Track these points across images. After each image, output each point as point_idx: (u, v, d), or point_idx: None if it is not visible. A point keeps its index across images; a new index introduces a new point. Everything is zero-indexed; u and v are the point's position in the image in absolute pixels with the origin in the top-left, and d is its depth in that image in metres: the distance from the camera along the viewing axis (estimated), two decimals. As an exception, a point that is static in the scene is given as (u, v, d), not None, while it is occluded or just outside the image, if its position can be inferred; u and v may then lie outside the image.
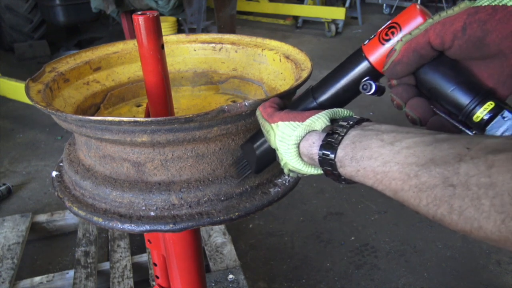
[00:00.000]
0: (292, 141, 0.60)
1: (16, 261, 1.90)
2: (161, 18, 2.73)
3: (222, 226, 2.04)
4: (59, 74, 0.90)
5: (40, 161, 2.99)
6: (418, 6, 0.57)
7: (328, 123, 0.59)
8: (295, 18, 6.44)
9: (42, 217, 2.22)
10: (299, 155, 0.61)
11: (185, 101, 1.05)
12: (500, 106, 0.52)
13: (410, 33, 0.55)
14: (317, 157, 0.58)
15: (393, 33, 0.57)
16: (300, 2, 6.62)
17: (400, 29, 0.57)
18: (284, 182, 0.81)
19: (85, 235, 2.05)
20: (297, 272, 2.00)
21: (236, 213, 0.74)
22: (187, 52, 1.08)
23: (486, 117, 0.52)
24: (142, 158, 0.73)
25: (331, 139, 0.56)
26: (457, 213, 0.42)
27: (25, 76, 0.85)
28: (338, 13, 5.74)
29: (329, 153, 0.56)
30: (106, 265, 1.89)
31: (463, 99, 0.54)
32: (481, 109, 0.53)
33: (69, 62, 0.95)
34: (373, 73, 0.60)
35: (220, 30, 3.68)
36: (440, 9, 6.81)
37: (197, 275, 1.00)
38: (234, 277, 1.75)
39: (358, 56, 0.61)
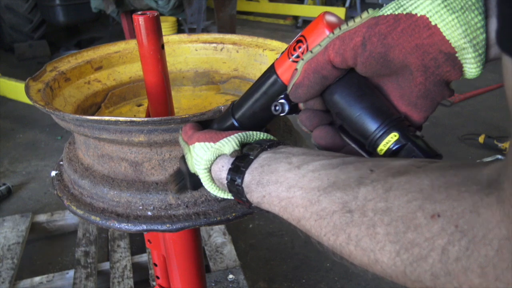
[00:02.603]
0: (203, 165, 0.56)
1: (16, 261, 1.90)
2: (161, 18, 2.74)
3: (222, 226, 2.04)
4: (60, 73, 0.90)
5: (40, 161, 2.98)
6: (327, 16, 0.50)
7: (236, 147, 0.53)
8: (295, 18, 6.45)
9: (42, 217, 2.22)
10: (211, 179, 0.57)
11: (186, 101, 1.05)
12: (404, 138, 0.45)
13: (311, 51, 0.48)
14: (225, 182, 0.53)
15: (300, 48, 0.50)
16: (300, 2, 6.62)
17: (306, 43, 0.50)
18: None
19: (85, 235, 2.05)
20: (297, 272, 2.00)
21: (233, 214, 0.74)
22: (189, 52, 1.08)
23: (392, 148, 0.46)
24: (139, 157, 0.73)
25: (239, 163, 0.51)
26: (354, 243, 0.38)
27: (25, 76, 0.85)
28: (338, 13, 5.73)
29: (236, 177, 0.51)
30: (106, 265, 1.89)
31: (369, 126, 0.47)
32: (385, 141, 0.46)
33: (70, 61, 0.95)
34: (285, 89, 0.53)
35: (220, 30, 3.68)
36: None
37: (197, 275, 1.00)
38: (234, 277, 1.75)
39: (271, 72, 0.54)
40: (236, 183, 0.51)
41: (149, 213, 0.73)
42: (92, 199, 0.77)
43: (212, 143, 0.55)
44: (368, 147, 0.48)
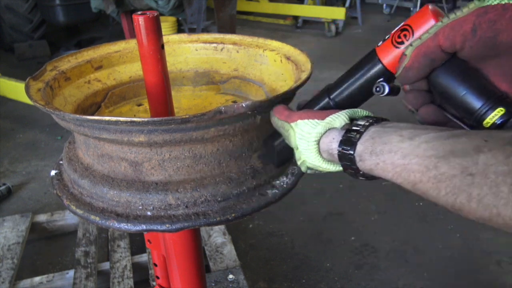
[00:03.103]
0: (313, 138, 0.62)
1: (16, 261, 1.90)
2: (161, 18, 2.74)
3: (222, 226, 2.04)
4: (60, 72, 0.90)
5: (40, 161, 2.99)
6: (430, 7, 0.57)
7: (347, 121, 0.60)
8: (295, 18, 6.45)
9: (42, 217, 2.22)
10: (319, 151, 0.63)
11: (186, 101, 1.05)
12: (510, 112, 0.52)
13: (420, 38, 0.55)
14: (336, 152, 0.59)
15: (405, 36, 0.58)
16: (300, 2, 6.63)
17: (413, 32, 0.57)
18: (282, 183, 0.80)
19: (85, 235, 2.05)
20: (297, 272, 2.00)
21: (233, 214, 0.74)
22: (189, 51, 1.08)
23: (497, 123, 0.52)
24: (139, 157, 0.73)
25: (350, 135, 0.58)
26: (476, 201, 0.42)
27: (25, 76, 0.85)
28: (338, 13, 5.75)
29: (348, 148, 0.57)
30: (106, 265, 1.89)
31: (474, 104, 0.54)
32: (491, 115, 0.52)
33: (70, 60, 0.95)
34: (387, 74, 0.61)
35: (220, 30, 3.68)
36: (439, 8, 6.80)
37: (197, 275, 1.00)
38: (234, 277, 1.75)
39: (372, 57, 0.62)
40: (348, 153, 0.57)
41: (149, 213, 0.73)
42: (92, 199, 0.77)
43: (319, 120, 0.62)
44: (472, 122, 0.54)
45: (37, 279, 1.82)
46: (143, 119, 0.64)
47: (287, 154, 0.71)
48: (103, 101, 0.98)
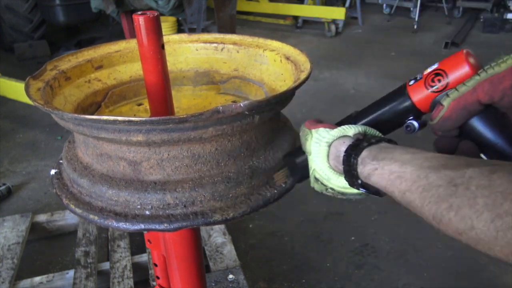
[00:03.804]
0: (326, 139, 0.66)
1: (16, 261, 1.90)
2: (161, 18, 2.74)
3: (222, 226, 2.04)
4: (60, 72, 0.90)
5: (40, 161, 2.98)
6: (465, 53, 0.59)
7: (361, 132, 0.64)
8: (295, 18, 6.44)
9: (42, 217, 2.22)
10: (328, 156, 0.66)
11: (186, 100, 1.05)
12: None
13: (457, 89, 0.57)
14: (342, 154, 0.62)
15: (439, 81, 0.61)
16: (300, 2, 6.62)
17: (447, 76, 0.60)
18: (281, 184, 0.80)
19: (85, 235, 2.05)
20: (297, 272, 2.00)
21: (231, 214, 0.74)
22: (189, 51, 1.08)
23: None
24: (138, 157, 0.73)
25: (359, 142, 0.61)
26: (455, 212, 0.44)
27: (25, 76, 0.85)
28: (338, 13, 5.74)
29: (354, 151, 0.60)
30: (106, 265, 1.89)
31: (508, 151, 0.57)
32: None
33: (71, 60, 0.95)
34: (414, 111, 0.65)
35: (220, 30, 3.68)
36: (440, 9, 6.81)
37: (197, 275, 1.00)
38: (234, 277, 1.75)
39: (402, 94, 0.66)
40: (352, 155, 0.60)
41: (147, 212, 0.73)
42: (91, 198, 0.77)
43: (335, 129, 0.66)
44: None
45: (37, 279, 1.82)
46: (141, 119, 0.64)
47: (307, 172, 0.73)
48: (103, 101, 0.98)
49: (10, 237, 2.04)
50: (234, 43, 1.05)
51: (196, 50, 1.08)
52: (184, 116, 0.64)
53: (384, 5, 7.21)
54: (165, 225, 0.72)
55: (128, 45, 1.05)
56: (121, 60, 1.03)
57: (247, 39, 1.05)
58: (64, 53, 0.96)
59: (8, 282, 1.78)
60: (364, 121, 0.70)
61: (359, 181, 0.60)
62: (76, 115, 0.68)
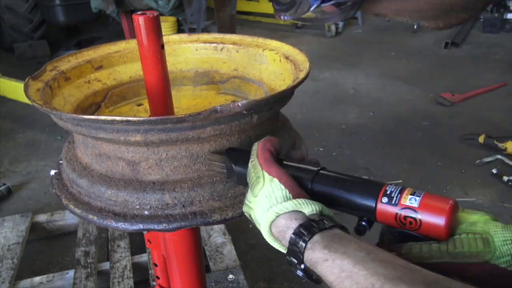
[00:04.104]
0: (276, 209, 0.59)
1: (16, 261, 1.90)
2: (161, 18, 2.73)
3: (222, 226, 2.04)
4: (60, 72, 0.90)
5: (40, 161, 2.98)
6: (451, 203, 0.54)
7: (317, 211, 0.58)
8: (295, 18, 6.44)
9: (42, 217, 2.22)
10: (271, 222, 0.61)
11: (186, 100, 1.05)
12: None
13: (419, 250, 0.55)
14: (291, 231, 0.57)
15: (410, 223, 0.56)
16: (300, 2, 6.61)
17: (420, 224, 0.55)
18: None
19: (85, 235, 2.05)
20: (297, 272, 1.99)
21: (230, 214, 0.74)
22: (189, 51, 1.08)
23: None
24: (136, 157, 0.73)
25: (313, 224, 0.56)
26: None
27: (25, 76, 0.85)
28: (338, 13, 5.73)
29: (306, 233, 0.55)
30: (106, 265, 1.89)
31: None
32: None
33: (70, 60, 0.95)
34: (371, 214, 0.60)
35: (220, 30, 3.68)
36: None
37: (197, 275, 1.00)
38: (234, 277, 1.75)
39: (373, 195, 0.60)
40: (303, 238, 0.55)
41: (146, 212, 0.73)
42: (90, 198, 0.77)
43: (292, 195, 0.60)
44: None
45: (37, 279, 1.82)
46: (139, 119, 0.64)
47: (244, 181, 0.68)
48: (103, 101, 0.98)
49: (10, 237, 2.04)
50: (234, 43, 1.05)
51: (196, 50, 1.08)
52: (182, 116, 0.64)
53: (384, 4, 7.19)
54: (164, 225, 0.72)
55: (127, 46, 1.05)
56: (121, 60, 1.03)
57: (247, 39, 1.05)
58: (64, 53, 0.96)
59: (8, 282, 1.78)
60: (321, 189, 0.63)
61: (302, 266, 0.55)
62: (74, 115, 0.68)
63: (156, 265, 1.10)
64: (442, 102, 3.59)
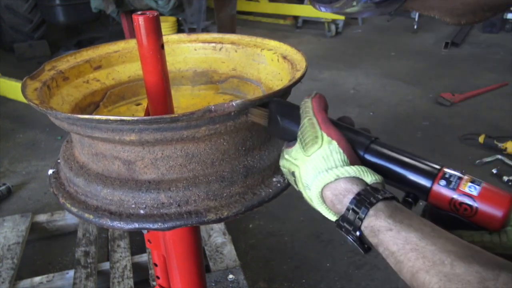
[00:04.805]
0: (337, 172, 0.57)
1: (16, 261, 1.90)
2: (161, 18, 2.73)
3: (222, 226, 2.04)
4: (58, 72, 0.90)
5: (40, 161, 2.98)
6: (510, 197, 0.55)
7: (379, 181, 0.57)
8: (295, 18, 6.44)
9: (42, 217, 2.22)
10: (326, 184, 0.58)
11: (184, 100, 1.05)
12: None
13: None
14: (351, 196, 0.55)
15: (465, 210, 0.56)
16: (300, 2, 6.62)
17: (476, 212, 0.56)
18: (276, 183, 0.80)
19: (85, 235, 2.05)
20: (297, 272, 2.00)
21: (225, 213, 0.74)
22: (188, 51, 1.08)
23: None
24: (132, 156, 0.73)
25: (377, 192, 0.54)
26: None
27: (25, 76, 0.85)
28: (338, 13, 5.73)
29: (369, 198, 0.54)
30: (106, 265, 1.89)
31: None
32: None
33: (69, 60, 0.95)
34: (423, 194, 0.60)
35: (220, 30, 3.68)
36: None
37: (197, 275, 1.00)
38: (234, 277, 1.75)
39: (430, 174, 0.60)
40: (366, 203, 0.53)
41: (142, 211, 0.73)
42: (86, 197, 0.77)
43: (350, 161, 0.58)
44: None
45: (37, 279, 1.82)
46: (133, 118, 0.64)
47: (289, 136, 0.67)
48: (101, 101, 0.99)
49: (10, 237, 2.04)
50: (232, 43, 1.05)
51: (195, 50, 1.08)
52: (176, 115, 0.64)
53: (384, 5, 7.19)
54: (159, 224, 0.72)
55: (127, 45, 1.05)
56: (120, 60, 1.04)
57: (245, 38, 1.05)
58: (64, 53, 0.96)
59: (8, 282, 1.78)
60: (375, 159, 0.62)
61: (358, 233, 0.54)
62: (69, 114, 0.68)
63: (156, 265, 1.10)
64: (442, 102, 3.59)
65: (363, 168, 0.58)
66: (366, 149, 0.63)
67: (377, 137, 0.65)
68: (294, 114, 0.67)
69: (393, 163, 0.62)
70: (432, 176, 0.59)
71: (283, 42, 0.98)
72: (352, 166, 0.58)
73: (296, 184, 0.64)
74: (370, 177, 0.57)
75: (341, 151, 0.59)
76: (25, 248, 2.04)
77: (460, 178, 0.58)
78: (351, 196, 0.55)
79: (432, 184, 0.59)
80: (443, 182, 0.58)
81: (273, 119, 0.69)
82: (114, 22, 5.48)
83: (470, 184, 0.57)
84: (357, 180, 0.57)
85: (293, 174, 0.63)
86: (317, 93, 0.66)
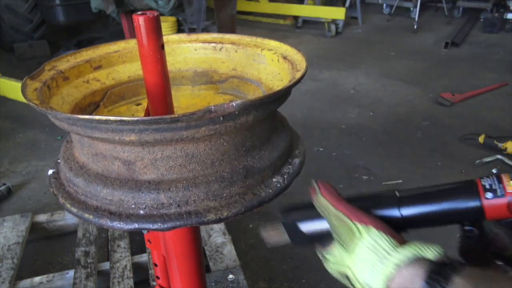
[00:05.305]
0: (394, 260, 0.52)
1: (16, 261, 1.90)
2: (161, 18, 2.73)
3: (222, 226, 2.04)
4: (58, 72, 0.90)
5: (40, 161, 2.99)
6: None
7: (441, 253, 0.53)
8: (295, 18, 6.44)
9: (42, 217, 2.22)
10: (387, 280, 0.53)
11: (184, 100, 1.05)
12: None
13: None
14: (421, 281, 0.50)
15: None
16: (300, 2, 6.62)
17: None
18: (276, 183, 0.80)
19: (85, 235, 2.05)
20: (297, 272, 2.00)
21: (225, 214, 0.74)
22: (188, 51, 1.08)
23: None
24: (132, 156, 0.73)
25: (446, 267, 0.50)
26: None
27: (25, 76, 0.85)
28: (338, 13, 5.74)
29: (441, 277, 0.49)
30: (106, 265, 1.89)
31: None
32: None
33: (69, 60, 0.95)
34: (479, 215, 0.56)
35: (220, 30, 3.68)
36: (440, 9, 6.80)
37: (197, 275, 1.00)
38: (234, 277, 1.75)
39: (472, 194, 0.56)
40: (441, 283, 0.49)
41: (141, 211, 0.73)
42: (86, 197, 0.77)
43: (406, 247, 0.53)
44: None
45: (37, 279, 1.82)
46: (133, 118, 0.64)
47: (316, 240, 0.63)
48: (101, 101, 0.98)
49: (10, 237, 2.04)
50: (233, 43, 1.05)
51: (195, 50, 1.08)
52: (176, 115, 0.64)
53: (384, 5, 7.20)
54: (159, 224, 0.72)
55: (127, 45, 1.05)
56: (120, 60, 1.03)
57: (245, 38, 1.05)
58: (64, 53, 0.96)
59: (8, 282, 1.78)
60: (411, 209, 0.58)
61: None
62: (69, 115, 0.68)
63: (156, 265, 1.10)
64: (442, 102, 3.59)
65: (417, 244, 0.53)
66: (399, 206, 0.59)
67: (396, 189, 0.61)
68: (309, 213, 0.64)
69: (429, 203, 0.58)
70: (474, 194, 0.56)
71: (283, 42, 0.98)
72: (406, 247, 0.53)
73: (354, 286, 0.58)
74: (430, 252, 0.53)
75: (383, 233, 0.55)
76: (25, 248, 2.04)
77: (499, 181, 0.55)
78: (419, 281, 0.50)
79: (480, 200, 0.55)
80: (489, 194, 0.55)
81: (292, 229, 0.67)
82: (114, 22, 5.48)
83: (511, 181, 0.55)
84: (419, 260, 0.52)
85: (346, 277, 0.59)
86: (319, 184, 0.63)
